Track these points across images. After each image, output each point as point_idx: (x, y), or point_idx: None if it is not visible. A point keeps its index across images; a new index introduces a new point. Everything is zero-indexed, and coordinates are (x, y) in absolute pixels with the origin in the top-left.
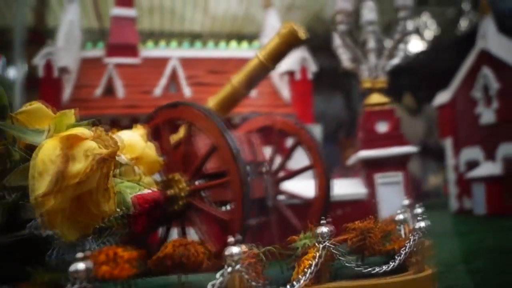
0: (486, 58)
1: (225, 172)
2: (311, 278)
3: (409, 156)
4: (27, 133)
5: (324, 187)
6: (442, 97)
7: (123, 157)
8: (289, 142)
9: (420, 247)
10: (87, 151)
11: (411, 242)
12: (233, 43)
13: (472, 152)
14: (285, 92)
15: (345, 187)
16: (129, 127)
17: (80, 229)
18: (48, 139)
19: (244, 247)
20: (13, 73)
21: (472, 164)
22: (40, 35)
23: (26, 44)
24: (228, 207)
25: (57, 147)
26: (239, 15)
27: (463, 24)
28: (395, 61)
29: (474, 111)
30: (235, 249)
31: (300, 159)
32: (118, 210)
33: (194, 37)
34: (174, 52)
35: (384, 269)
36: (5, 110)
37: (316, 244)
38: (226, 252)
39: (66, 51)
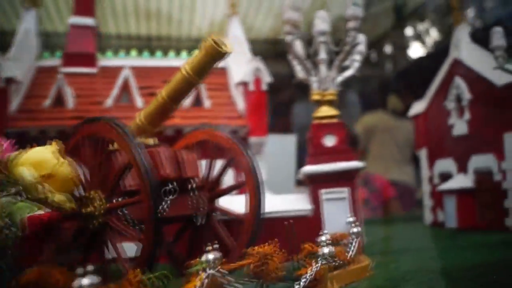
0: (459, 68)
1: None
2: None
3: (356, 172)
4: None
5: (254, 204)
6: (417, 107)
7: (27, 174)
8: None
9: (324, 274)
10: None
11: (313, 270)
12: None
13: (445, 164)
14: (241, 103)
15: (289, 203)
16: None
17: None
18: None
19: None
20: None
21: (446, 176)
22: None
23: None
24: None
25: None
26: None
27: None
28: (349, 72)
29: (447, 122)
30: (84, 281)
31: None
32: (7, 231)
33: (195, 42)
34: (132, 61)
35: None
36: None
37: (200, 272)
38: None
39: (17, 60)
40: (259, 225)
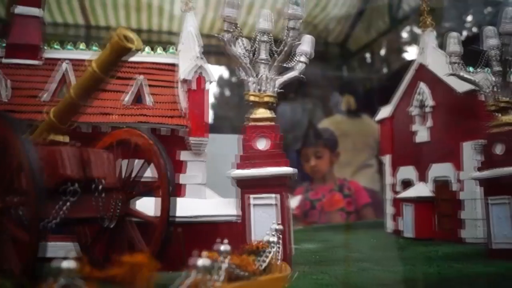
0: (423, 73)
1: None
2: None
3: (286, 178)
4: None
5: (166, 208)
6: (384, 112)
7: None
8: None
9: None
10: None
11: (187, 282)
12: (146, 47)
13: (407, 172)
14: (185, 102)
15: (216, 208)
16: None
17: None
18: None
19: None
20: None
21: (407, 184)
22: None
23: None
24: None
25: None
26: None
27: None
28: (292, 74)
29: (411, 128)
30: None
31: None
32: None
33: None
34: (78, 54)
35: None
36: None
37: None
38: None
39: None
40: (169, 230)
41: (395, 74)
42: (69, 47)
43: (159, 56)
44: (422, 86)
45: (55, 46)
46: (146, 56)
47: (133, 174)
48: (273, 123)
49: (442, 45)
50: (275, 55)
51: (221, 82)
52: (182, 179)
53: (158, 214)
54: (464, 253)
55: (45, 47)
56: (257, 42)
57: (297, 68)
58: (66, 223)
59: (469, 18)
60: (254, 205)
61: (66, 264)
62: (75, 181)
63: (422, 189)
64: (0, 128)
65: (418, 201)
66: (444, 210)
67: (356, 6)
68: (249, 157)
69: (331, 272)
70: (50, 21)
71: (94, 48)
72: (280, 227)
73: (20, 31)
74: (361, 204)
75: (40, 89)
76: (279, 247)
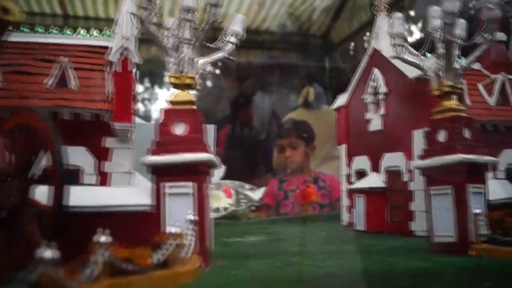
0: (377, 59)
1: None
2: None
3: (204, 165)
4: None
5: (57, 197)
6: (340, 100)
7: None
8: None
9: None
10: None
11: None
12: (81, 30)
13: (361, 162)
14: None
15: (128, 196)
16: None
17: None
18: None
19: None
20: None
21: (362, 175)
22: None
23: None
24: None
25: None
26: None
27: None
28: (218, 55)
29: (365, 116)
30: None
31: None
32: None
33: None
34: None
35: None
36: None
37: None
38: None
39: None
40: (59, 219)
41: None
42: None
43: (91, 39)
44: (376, 73)
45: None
46: (76, 38)
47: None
48: (192, 107)
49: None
50: (198, 34)
51: (203, 73)
52: (107, 167)
53: (48, 203)
54: (408, 247)
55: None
56: (180, 21)
57: (226, 49)
58: None
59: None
60: (169, 194)
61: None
62: None
63: (374, 180)
64: None
65: (369, 193)
66: (396, 201)
67: None
68: (164, 143)
69: (253, 267)
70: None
71: (67, 32)
72: (195, 218)
73: None
74: (336, 197)
75: None
76: (192, 239)
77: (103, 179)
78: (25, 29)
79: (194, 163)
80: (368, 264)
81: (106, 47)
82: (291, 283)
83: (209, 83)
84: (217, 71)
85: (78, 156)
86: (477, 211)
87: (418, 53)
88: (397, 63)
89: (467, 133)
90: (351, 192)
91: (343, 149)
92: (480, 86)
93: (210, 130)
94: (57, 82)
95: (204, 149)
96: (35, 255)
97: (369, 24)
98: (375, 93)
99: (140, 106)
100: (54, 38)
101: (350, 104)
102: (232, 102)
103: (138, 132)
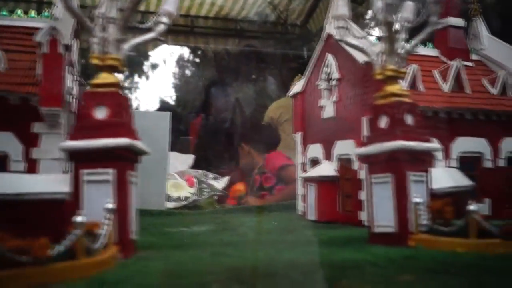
0: (331, 44)
1: None
2: None
3: (125, 151)
4: None
5: None
6: (297, 87)
7: None
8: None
9: None
10: None
11: None
12: (19, 11)
13: (315, 150)
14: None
15: (44, 184)
16: None
17: None
18: None
19: None
20: None
21: (316, 163)
22: None
23: None
24: None
25: None
26: None
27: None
28: (148, 36)
29: (319, 103)
30: None
31: None
32: None
33: None
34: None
35: None
36: None
37: None
38: None
39: None
40: None
41: None
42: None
43: (25, 20)
44: (329, 58)
45: None
46: (9, 19)
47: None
48: (115, 89)
49: None
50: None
51: (181, 62)
52: (36, 153)
53: None
54: (351, 237)
55: None
56: None
57: (157, 30)
58: None
59: None
60: (88, 181)
61: None
62: None
63: (326, 168)
64: None
65: (320, 181)
66: (347, 190)
67: None
68: (83, 127)
69: (176, 258)
70: None
71: (3, 13)
72: (113, 206)
73: None
74: (278, 167)
75: None
76: (107, 229)
77: (32, 166)
78: (46, 14)
79: (113, 149)
80: (297, 255)
81: (35, 28)
82: (204, 275)
83: (187, 72)
84: (197, 60)
85: (4, 142)
86: (417, 200)
87: (365, 36)
88: (348, 47)
89: (409, 119)
90: (305, 181)
91: (298, 137)
92: (436, 73)
93: (165, 118)
94: None
95: (126, 134)
96: None
97: (358, 17)
98: (329, 79)
99: None
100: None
101: (306, 90)
102: (205, 91)
103: None
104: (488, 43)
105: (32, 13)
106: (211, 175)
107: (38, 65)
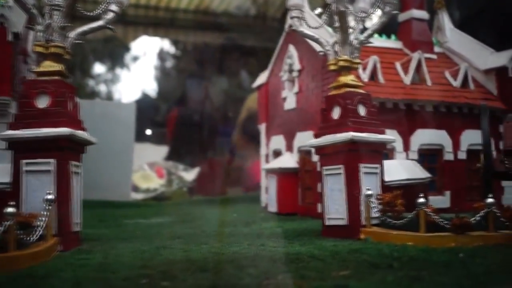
0: (293, 35)
1: None
2: None
3: (66, 140)
4: None
5: None
6: (261, 78)
7: None
8: None
9: None
10: None
11: None
12: None
13: (278, 141)
14: None
15: None
16: None
17: None
18: None
19: None
20: None
21: (278, 155)
22: None
23: None
24: None
25: None
26: None
27: None
28: (96, 24)
29: (282, 94)
30: None
31: None
32: None
33: None
34: None
35: None
36: None
37: None
38: None
39: None
40: None
41: None
42: None
43: None
44: (291, 49)
45: None
46: None
47: None
48: (58, 78)
49: None
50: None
51: (162, 54)
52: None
53: None
54: (306, 230)
55: None
56: None
57: (106, 18)
58: None
59: None
60: (28, 171)
61: None
62: None
63: (286, 160)
64: None
65: (281, 173)
66: (307, 182)
67: None
68: (24, 116)
69: (119, 251)
70: None
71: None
72: (51, 197)
73: None
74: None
75: None
76: (45, 220)
77: None
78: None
79: (54, 139)
80: (244, 248)
81: None
82: (136, 269)
83: (168, 64)
84: (177, 52)
85: None
86: (369, 192)
87: (321, 26)
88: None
89: (362, 111)
90: (266, 173)
91: (262, 128)
92: (398, 65)
93: (130, 108)
94: None
95: (68, 123)
96: None
97: (325, 7)
98: (291, 70)
99: (102, 87)
100: None
101: (270, 82)
102: (183, 84)
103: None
104: (451, 36)
105: None
106: (181, 166)
107: None
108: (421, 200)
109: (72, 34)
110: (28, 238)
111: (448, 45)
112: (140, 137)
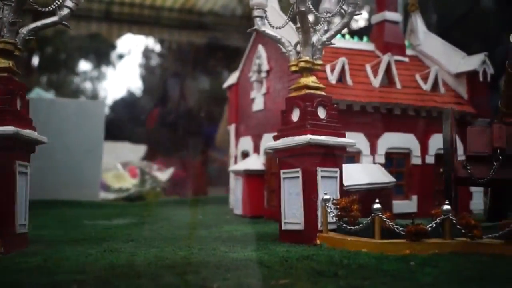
0: (263, 36)
1: None
2: None
3: (8, 140)
4: None
5: None
6: (231, 78)
7: None
8: None
9: None
10: None
11: None
12: None
13: (246, 143)
14: None
15: None
16: None
17: None
18: None
19: None
20: None
21: (246, 156)
22: None
23: None
24: None
25: None
26: None
27: None
28: (49, 20)
29: (250, 95)
30: None
31: None
32: None
33: None
34: None
35: None
36: None
37: None
38: None
39: None
40: None
41: None
42: None
43: None
44: (260, 49)
45: None
46: None
47: None
48: (6, 75)
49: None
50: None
51: (147, 52)
52: None
53: None
54: (265, 234)
55: None
56: None
57: (60, 14)
58: None
59: None
60: None
61: None
62: None
63: (252, 162)
64: None
65: (247, 175)
66: (272, 185)
67: None
68: None
69: (64, 254)
70: None
71: None
72: None
73: None
74: None
75: None
76: None
77: None
78: None
79: None
80: (193, 253)
81: None
82: (73, 274)
83: (153, 62)
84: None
85: None
86: (327, 197)
87: (284, 25)
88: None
89: (321, 113)
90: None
91: (232, 129)
92: (368, 67)
93: (99, 106)
94: None
95: (14, 122)
96: None
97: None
98: (259, 71)
99: (87, 85)
100: None
101: (239, 82)
102: (165, 83)
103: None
104: (425, 39)
105: None
106: (155, 166)
107: None
108: (376, 205)
109: (24, 30)
110: None
111: (420, 48)
112: (120, 136)
